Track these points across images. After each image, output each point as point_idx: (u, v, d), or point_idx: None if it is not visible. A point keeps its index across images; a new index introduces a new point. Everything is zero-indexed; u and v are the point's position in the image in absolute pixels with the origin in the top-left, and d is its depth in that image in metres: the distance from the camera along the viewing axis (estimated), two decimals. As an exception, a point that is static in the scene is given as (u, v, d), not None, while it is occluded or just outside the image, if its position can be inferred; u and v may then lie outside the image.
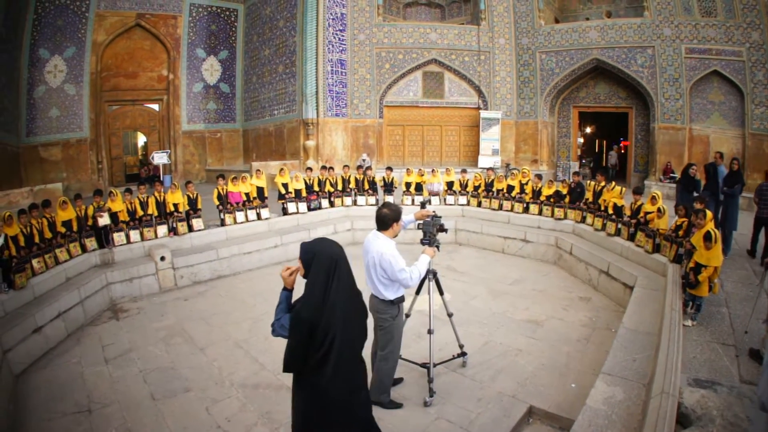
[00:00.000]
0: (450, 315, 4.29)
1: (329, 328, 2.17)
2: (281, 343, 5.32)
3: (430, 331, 3.90)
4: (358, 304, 2.38)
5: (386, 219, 3.43)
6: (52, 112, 15.17)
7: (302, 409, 2.32)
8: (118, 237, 7.51)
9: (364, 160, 14.55)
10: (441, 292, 4.14)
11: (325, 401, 2.26)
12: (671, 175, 12.98)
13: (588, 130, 21.31)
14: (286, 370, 2.23)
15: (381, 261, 3.35)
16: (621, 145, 19.73)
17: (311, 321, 2.15)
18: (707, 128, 13.13)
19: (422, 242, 3.73)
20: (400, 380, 4.17)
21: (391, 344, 3.66)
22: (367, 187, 11.00)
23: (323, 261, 2.23)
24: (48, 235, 6.65)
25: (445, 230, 3.80)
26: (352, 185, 10.99)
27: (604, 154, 21.69)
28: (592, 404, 3.22)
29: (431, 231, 3.71)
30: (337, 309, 2.19)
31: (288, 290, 2.36)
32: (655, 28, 13.26)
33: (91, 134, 15.98)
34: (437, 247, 3.77)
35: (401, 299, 3.59)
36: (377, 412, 3.74)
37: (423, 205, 3.88)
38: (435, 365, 3.97)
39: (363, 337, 2.43)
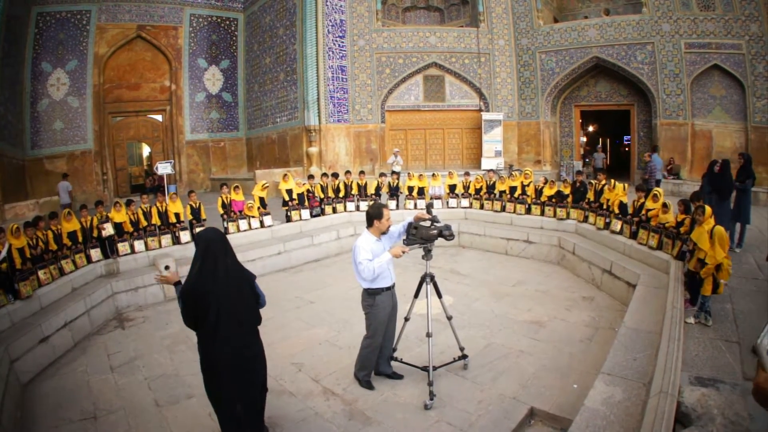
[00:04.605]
0: (449, 318, 4.29)
1: (207, 297, 2.71)
2: (283, 349, 5.37)
3: (428, 334, 3.90)
4: (240, 279, 2.89)
5: (369, 217, 3.86)
6: (56, 125, 15.39)
7: (201, 360, 2.88)
8: (123, 247, 7.59)
9: (395, 155, 13.81)
10: (439, 296, 4.14)
11: (212, 355, 2.81)
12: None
13: (590, 128, 21.24)
14: (187, 325, 2.89)
15: (354, 251, 3.80)
16: (623, 142, 19.62)
17: (188, 290, 2.76)
18: (709, 123, 13.04)
19: (403, 241, 3.87)
20: (400, 377, 4.27)
21: (371, 330, 4.00)
22: (370, 192, 11.04)
23: (199, 244, 2.83)
24: (53, 246, 6.73)
25: (447, 237, 3.71)
26: (355, 191, 11.04)
27: (608, 152, 21.59)
28: (590, 405, 3.20)
29: (412, 232, 3.81)
30: (215, 281, 2.73)
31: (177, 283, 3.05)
32: (653, 24, 13.23)
33: (96, 146, 16.19)
34: (429, 250, 3.83)
35: (377, 292, 3.82)
36: (374, 407, 3.81)
37: (428, 208, 3.93)
38: (435, 368, 3.98)
39: (246, 307, 2.92)
